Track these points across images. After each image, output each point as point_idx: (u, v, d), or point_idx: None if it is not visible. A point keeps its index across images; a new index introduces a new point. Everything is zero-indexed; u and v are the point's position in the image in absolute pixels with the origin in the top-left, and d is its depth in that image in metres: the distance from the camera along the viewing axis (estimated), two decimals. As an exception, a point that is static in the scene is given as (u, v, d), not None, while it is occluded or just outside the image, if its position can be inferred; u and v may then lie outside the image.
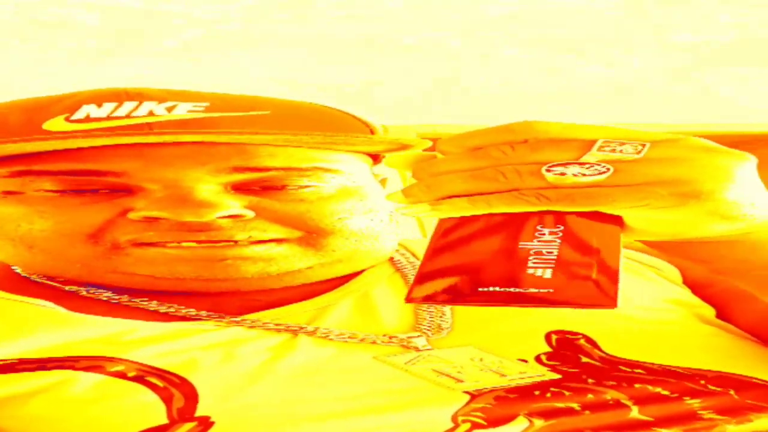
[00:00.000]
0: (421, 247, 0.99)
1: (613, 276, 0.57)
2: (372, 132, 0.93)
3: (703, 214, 0.61)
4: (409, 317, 0.84)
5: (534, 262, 0.58)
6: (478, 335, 0.79)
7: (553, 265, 0.58)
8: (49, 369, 0.69)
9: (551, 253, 0.58)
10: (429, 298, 0.60)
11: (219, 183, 0.83)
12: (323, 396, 0.68)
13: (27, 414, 0.66)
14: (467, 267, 0.60)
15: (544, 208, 0.59)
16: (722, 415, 0.67)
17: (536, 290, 0.57)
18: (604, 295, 0.56)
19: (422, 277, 0.61)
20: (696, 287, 0.94)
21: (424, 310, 0.84)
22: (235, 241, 0.82)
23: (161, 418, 0.64)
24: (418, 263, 0.94)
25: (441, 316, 0.83)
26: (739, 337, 0.85)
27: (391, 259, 0.95)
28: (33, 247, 0.84)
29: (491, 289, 0.58)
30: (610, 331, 0.80)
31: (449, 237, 0.63)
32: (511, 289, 0.57)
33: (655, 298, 0.89)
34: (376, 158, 0.96)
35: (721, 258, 0.69)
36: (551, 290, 0.56)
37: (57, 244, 0.83)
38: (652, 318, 0.85)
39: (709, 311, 0.90)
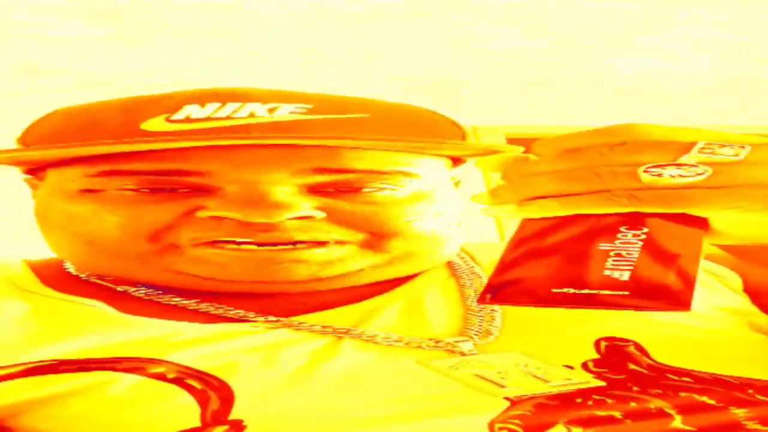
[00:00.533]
0: (482, 251, 0.98)
1: (690, 280, 0.56)
2: (463, 136, 0.92)
3: None
4: (457, 322, 0.83)
5: (612, 264, 0.57)
6: (526, 341, 0.78)
7: (632, 268, 0.56)
8: (91, 370, 0.70)
9: (631, 255, 0.57)
10: (502, 299, 0.60)
11: (296, 184, 0.83)
12: (360, 401, 0.68)
13: (65, 414, 0.67)
14: (543, 268, 0.59)
15: (634, 209, 0.58)
16: (767, 426, 0.65)
17: (611, 292, 0.56)
18: (680, 299, 0.55)
19: (497, 278, 0.60)
20: (757, 295, 0.92)
21: (474, 315, 0.83)
22: (294, 243, 0.82)
23: (195, 421, 0.64)
24: (476, 268, 0.93)
25: (491, 321, 0.82)
26: None
27: (449, 263, 0.94)
28: (94, 244, 0.84)
29: (565, 290, 0.57)
30: (660, 338, 0.79)
31: (527, 239, 0.62)
32: (585, 291, 0.56)
33: (708, 306, 0.87)
34: (456, 160, 0.96)
35: None
36: (627, 293, 0.55)
37: (119, 241, 0.83)
38: (703, 326, 0.83)
39: (764, 320, 0.87)
